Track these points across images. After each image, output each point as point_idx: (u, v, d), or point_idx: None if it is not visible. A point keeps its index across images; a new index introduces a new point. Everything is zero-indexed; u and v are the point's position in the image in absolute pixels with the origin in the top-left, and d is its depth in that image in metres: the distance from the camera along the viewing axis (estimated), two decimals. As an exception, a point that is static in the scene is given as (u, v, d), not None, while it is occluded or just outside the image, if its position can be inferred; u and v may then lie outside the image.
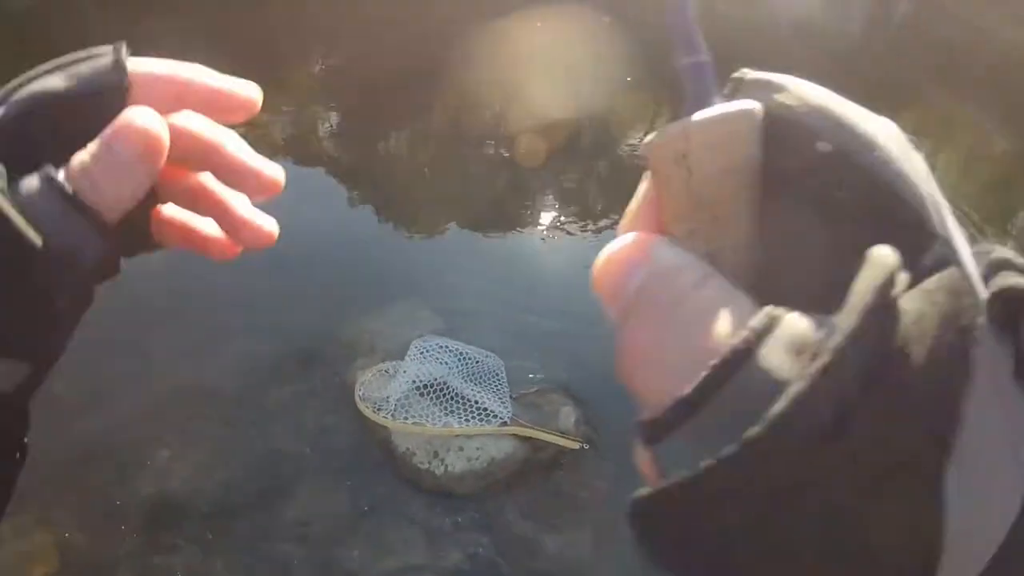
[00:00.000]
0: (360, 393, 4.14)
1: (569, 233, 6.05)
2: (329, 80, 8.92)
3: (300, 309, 4.83)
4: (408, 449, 3.98)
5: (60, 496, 3.55)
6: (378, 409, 4.06)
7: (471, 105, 7.85)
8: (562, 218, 6.19)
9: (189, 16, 8.90)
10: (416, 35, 9.30)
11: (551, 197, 6.66)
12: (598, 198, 6.70)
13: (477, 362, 4.29)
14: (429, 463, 3.94)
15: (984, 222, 7.64)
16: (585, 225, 6.16)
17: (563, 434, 4.16)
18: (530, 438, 4.11)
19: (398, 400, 4.05)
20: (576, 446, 4.14)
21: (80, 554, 3.45)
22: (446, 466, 3.93)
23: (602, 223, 6.26)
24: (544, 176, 6.79)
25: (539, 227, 6.08)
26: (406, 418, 4.00)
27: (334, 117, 8.05)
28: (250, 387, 4.28)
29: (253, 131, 7.49)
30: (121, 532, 3.49)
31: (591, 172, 7.14)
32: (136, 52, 0.57)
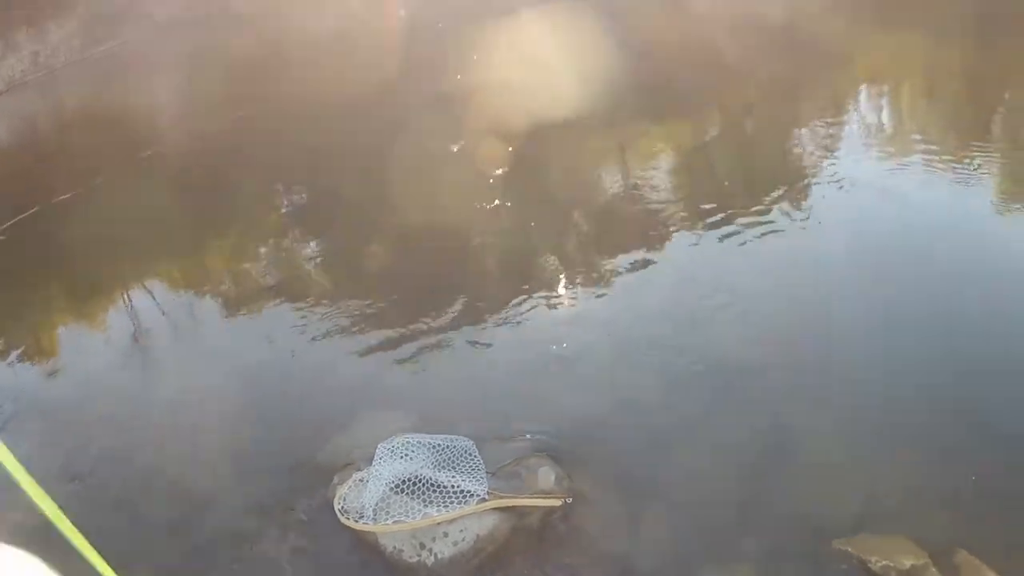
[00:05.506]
0: (340, 507, 4.57)
1: (531, 299, 6.53)
2: (291, 214, 9.71)
3: (276, 445, 5.34)
4: (395, 548, 4.37)
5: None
6: (360, 517, 4.47)
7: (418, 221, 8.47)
8: (521, 285, 6.69)
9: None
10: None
11: (506, 261, 7.19)
12: (554, 249, 7.22)
13: (446, 448, 4.69)
14: (418, 556, 4.32)
15: (961, 141, 7.92)
16: (545, 281, 6.69)
17: (544, 494, 4.51)
18: (513, 507, 4.47)
19: (376, 504, 4.46)
20: (559, 502, 4.48)
21: None
22: (434, 555, 4.30)
23: (564, 276, 6.77)
24: (494, 256, 7.42)
25: (496, 302, 6.55)
26: (387, 519, 4.40)
27: (301, 247, 8.77)
28: (243, 528, 4.74)
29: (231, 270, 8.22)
30: None
31: (541, 225, 7.65)
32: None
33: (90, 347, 7.70)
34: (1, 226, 9.90)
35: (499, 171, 8.84)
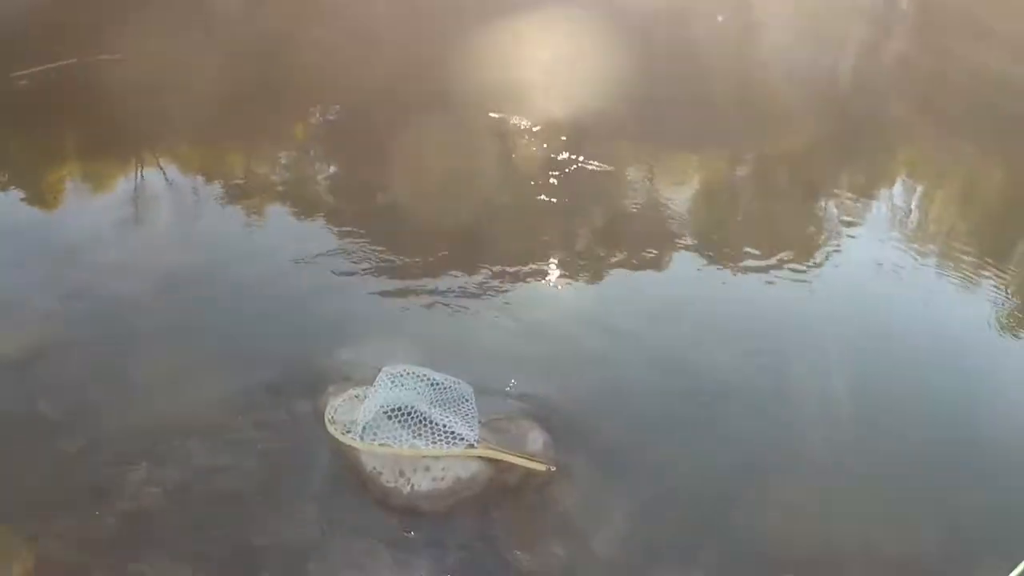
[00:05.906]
0: (330, 416, 4.61)
1: (548, 270, 6.68)
2: (320, 131, 9.72)
3: (276, 341, 5.39)
4: (375, 468, 4.41)
5: (39, 508, 4.04)
6: (347, 431, 4.51)
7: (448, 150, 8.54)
8: (539, 256, 6.83)
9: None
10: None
11: (528, 234, 7.29)
12: (574, 233, 7.38)
13: (446, 388, 4.74)
14: (396, 482, 4.36)
15: (984, 254, 8.03)
16: (563, 259, 6.85)
17: (531, 456, 4.57)
18: (497, 461, 4.53)
19: (367, 423, 4.50)
20: (542, 468, 4.54)
21: (57, 564, 3.88)
22: (412, 485, 4.35)
23: (582, 260, 6.88)
24: (522, 215, 7.56)
25: (516, 264, 6.65)
26: (374, 439, 4.44)
27: (322, 165, 8.79)
28: (225, 412, 4.76)
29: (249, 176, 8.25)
30: (97, 544, 3.93)
31: (565, 210, 7.76)
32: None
33: (92, 203, 7.68)
34: (29, 69, 9.71)
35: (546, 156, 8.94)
